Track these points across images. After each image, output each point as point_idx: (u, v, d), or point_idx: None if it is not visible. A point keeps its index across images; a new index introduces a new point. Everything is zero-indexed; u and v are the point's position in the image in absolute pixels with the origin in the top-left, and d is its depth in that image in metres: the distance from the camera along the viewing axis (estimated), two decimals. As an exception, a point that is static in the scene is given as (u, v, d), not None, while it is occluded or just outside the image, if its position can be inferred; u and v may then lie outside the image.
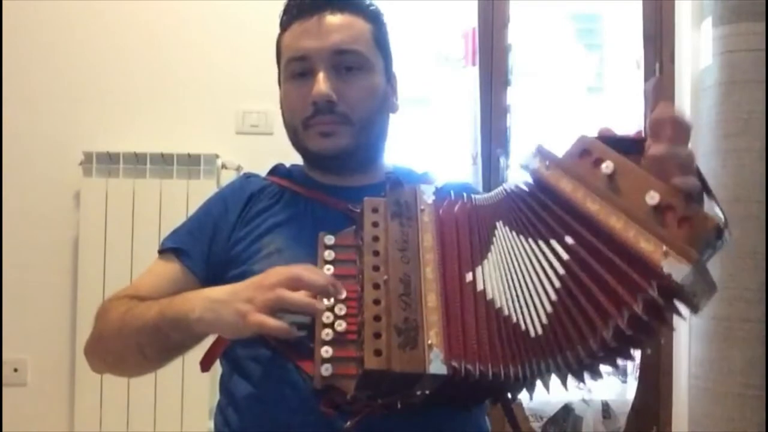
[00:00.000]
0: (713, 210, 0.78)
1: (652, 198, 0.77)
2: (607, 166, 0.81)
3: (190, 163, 2.39)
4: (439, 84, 2.56)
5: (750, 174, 2.02)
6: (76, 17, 2.47)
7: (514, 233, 0.88)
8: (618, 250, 0.78)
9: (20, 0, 2.45)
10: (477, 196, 0.98)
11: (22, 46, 2.46)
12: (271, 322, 0.87)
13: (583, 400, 2.45)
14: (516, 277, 0.86)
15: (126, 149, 2.39)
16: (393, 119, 1.20)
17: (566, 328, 0.80)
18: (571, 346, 0.78)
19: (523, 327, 0.83)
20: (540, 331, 0.82)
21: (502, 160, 2.49)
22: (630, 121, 2.48)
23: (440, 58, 2.59)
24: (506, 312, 0.85)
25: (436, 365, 0.82)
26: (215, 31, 2.47)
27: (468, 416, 1.04)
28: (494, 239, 0.90)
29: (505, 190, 0.93)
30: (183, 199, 2.34)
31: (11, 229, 2.43)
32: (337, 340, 0.89)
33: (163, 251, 1.15)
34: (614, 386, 2.49)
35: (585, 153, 0.84)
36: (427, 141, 2.54)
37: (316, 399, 0.94)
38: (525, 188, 0.90)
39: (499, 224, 0.91)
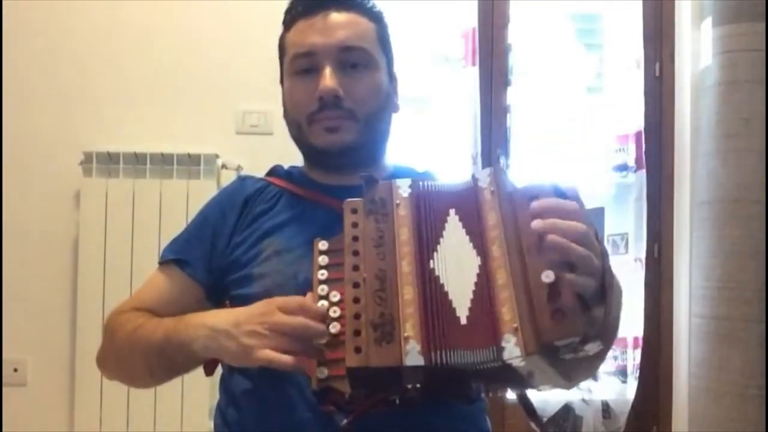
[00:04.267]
0: (597, 319, 0.81)
1: (547, 276, 0.80)
2: (537, 223, 0.84)
3: (190, 163, 2.38)
4: (439, 84, 2.56)
5: (750, 174, 2.02)
6: (76, 17, 2.47)
7: (461, 224, 0.91)
8: (490, 300, 0.83)
9: (20, 0, 2.45)
10: (442, 182, 0.99)
11: (22, 46, 2.46)
12: (280, 358, 0.88)
13: (583, 400, 2.45)
14: (455, 265, 0.89)
15: (126, 149, 2.39)
16: (394, 119, 1.20)
17: (469, 329, 0.84)
18: (475, 346, 0.83)
19: (457, 313, 0.86)
20: (465, 321, 0.85)
21: (502, 160, 2.49)
22: (630, 121, 2.48)
23: (440, 58, 2.58)
24: (449, 297, 0.87)
25: (413, 357, 0.83)
26: (215, 31, 2.47)
27: (467, 414, 1.04)
28: (446, 225, 0.92)
29: (472, 181, 0.95)
30: (183, 199, 2.34)
31: (11, 229, 2.42)
32: (331, 343, 0.90)
33: (163, 262, 1.15)
34: (614, 386, 2.49)
35: (534, 198, 0.86)
36: (427, 141, 2.53)
37: (316, 398, 0.94)
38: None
39: (452, 212, 0.92)
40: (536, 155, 2.57)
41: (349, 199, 0.96)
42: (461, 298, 0.86)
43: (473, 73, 2.45)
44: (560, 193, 0.86)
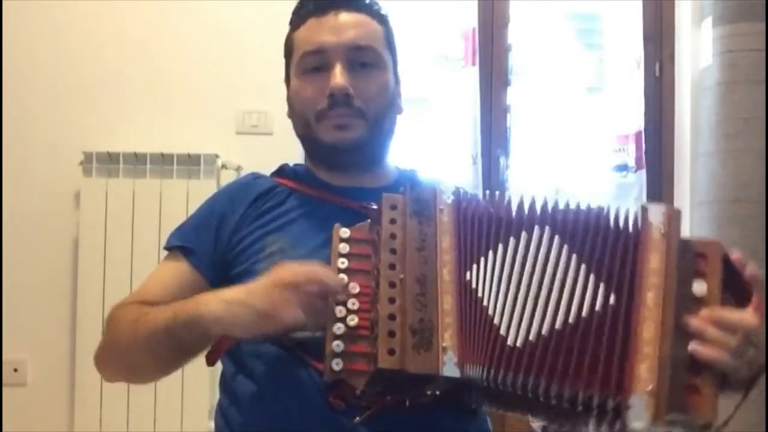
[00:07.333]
0: (727, 408, 0.79)
1: (695, 349, 0.78)
2: (700, 287, 0.82)
3: (190, 163, 2.38)
4: (439, 84, 2.56)
5: (750, 174, 2.02)
6: (76, 17, 2.47)
7: (566, 248, 0.88)
8: (625, 346, 0.80)
9: (20, 0, 2.45)
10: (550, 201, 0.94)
11: (22, 46, 2.46)
12: (300, 316, 0.88)
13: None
14: (525, 284, 0.87)
15: (126, 149, 2.39)
16: (397, 120, 1.20)
17: (545, 358, 0.83)
18: (539, 374, 0.82)
19: (503, 332, 0.85)
20: (519, 343, 0.84)
21: (502, 160, 2.49)
22: (630, 121, 2.48)
23: (440, 58, 2.59)
24: (489, 312, 0.87)
25: (450, 368, 0.83)
26: (215, 32, 2.47)
27: (471, 417, 1.05)
28: (511, 240, 0.90)
29: (641, 212, 0.90)
30: (183, 199, 2.34)
31: (11, 229, 2.42)
32: (349, 335, 0.89)
33: (169, 249, 1.15)
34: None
35: (701, 256, 0.84)
36: (427, 141, 2.53)
37: (323, 397, 0.95)
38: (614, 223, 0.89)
39: (545, 230, 0.89)
40: (536, 155, 2.57)
41: (387, 194, 0.95)
42: (508, 316, 0.86)
43: (473, 73, 2.45)
44: (723, 255, 0.85)
